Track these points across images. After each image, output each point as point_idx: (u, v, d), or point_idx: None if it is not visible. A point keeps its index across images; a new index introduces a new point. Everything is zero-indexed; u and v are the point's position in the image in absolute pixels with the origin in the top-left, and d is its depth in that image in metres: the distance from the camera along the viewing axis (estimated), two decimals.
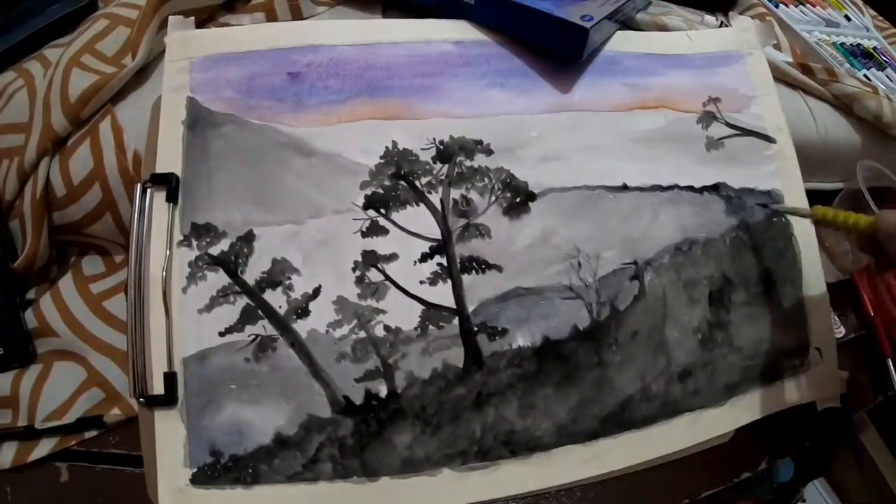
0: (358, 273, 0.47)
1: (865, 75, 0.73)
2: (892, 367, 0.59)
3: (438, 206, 0.49)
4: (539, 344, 0.49)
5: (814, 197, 0.60)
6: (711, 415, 0.52)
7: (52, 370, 0.50)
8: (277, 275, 0.46)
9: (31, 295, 0.53)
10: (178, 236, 0.46)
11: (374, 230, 0.48)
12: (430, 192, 0.49)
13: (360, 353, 0.46)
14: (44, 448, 0.48)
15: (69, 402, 0.49)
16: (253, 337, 0.45)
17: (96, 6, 0.59)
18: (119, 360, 0.50)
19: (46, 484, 0.47)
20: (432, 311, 0.47)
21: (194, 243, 0.46)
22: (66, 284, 0.53)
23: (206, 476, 0.43)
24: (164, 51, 0.50)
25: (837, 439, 0.76)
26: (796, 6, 0.81)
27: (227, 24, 0.56)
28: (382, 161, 0.49)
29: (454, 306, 0.48)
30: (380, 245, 0.48)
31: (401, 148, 0.49)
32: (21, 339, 0.51)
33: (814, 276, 0.57)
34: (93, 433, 0.49)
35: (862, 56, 0.77)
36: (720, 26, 0.67)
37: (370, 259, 0.47)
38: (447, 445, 0.46)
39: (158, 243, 0.45)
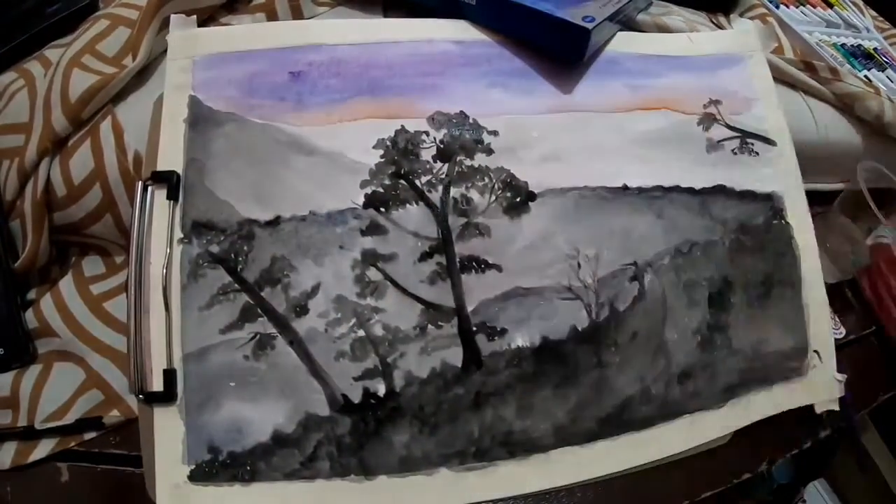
0: (357, 272, 0.47)
1: (866, 76, 0.73)
2: None
3: (438, 206, 0.49)
4: (538, 344, 0.49)
5: (815, 197, 0.60)
6: (710, 417, 0.52)
7: (52, 371, 0.50)
8: (277, 273, 0.46)
9: (31, 295, 0.53)
10: (178, 234, 0.46)
11: (373, 229, 0.48)
12: (430, 192, 0.49)
13: (358, 351, 0.46)
14: (43, 449, 0.48)
15: (69, 403, 0.49)
16: (252, 335, 0.45)
17: (97, 6, 0.59)
18: (119, 362, 0.50)
19: (47, 484, 0.47)
20: (431, 311, 0.47)
21: (195, 241, 0.46)
22: (67, 285, 0.53)
23: (204, 473, 0.43)
24: (164, 51, 0.51)
25: (838, 440, 0.76)
26: (797, 7, 0.81)
27: (228, 25, 0.57)
28: (383, 160, 0.49)
29: (453, 306, 0.48)
30: (379, 244, 0.48)
31: (401, 147, 0.50)
32: (21, 339, 0.50)
33: (813, 278, 0.57)
34: (92, 434, 0.49)
35: (862, 57, 0.77)
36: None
37: (369, 258, 0.47)
38: (445, 445, 0.46)
39: (159, 241, 0.46)
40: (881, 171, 0.61)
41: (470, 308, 0.48)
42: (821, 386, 0.56)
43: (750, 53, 0.62)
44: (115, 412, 0.49)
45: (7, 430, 0.48)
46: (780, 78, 0.64)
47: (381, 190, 0.48)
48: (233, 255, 0.46)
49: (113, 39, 0.54)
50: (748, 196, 0.57)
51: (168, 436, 0.43)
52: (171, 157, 0.47)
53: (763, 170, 0.58)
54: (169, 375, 0.44)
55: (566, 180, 0.52)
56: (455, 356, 0.47)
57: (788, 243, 0.57)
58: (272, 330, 0.45)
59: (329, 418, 0.45)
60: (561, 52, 0.54)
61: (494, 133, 0.51)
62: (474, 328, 0.48)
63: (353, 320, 0.46)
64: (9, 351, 0.50)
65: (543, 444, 0.48)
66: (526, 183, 0.51)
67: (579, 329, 0.50)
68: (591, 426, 0.49)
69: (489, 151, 0.51)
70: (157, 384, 0.44)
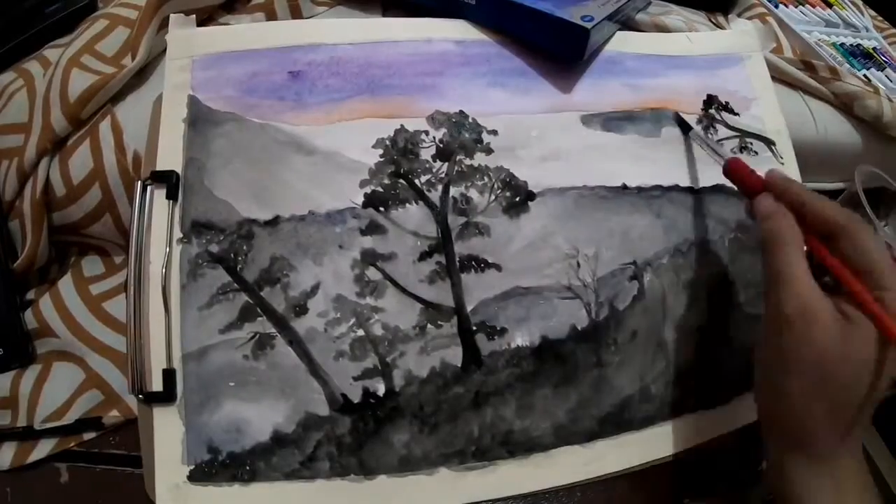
0: (357, 271, 0.47)
1: (865, 75, 0.73)
2: None
3: (438, 205, 0.49)
4: (538, 344, 0.49)
5: None
6: (710, 416, 0.52)
7: (51, 371, 0.50)
8: (276, 272, 0.46)
9: (30, 295, 0.53)
10: (177, 234, 0.46)
11: (373, 228, 0.48)
12: (429, 191, 0.49)
13: (358, 351, 0.46)
14: (43, 449, 0.48)
15: (68, 404, 0.49)
16: (252, 334, 0.45)
17: (96, 6, 0.60)
18: (118, 362, 0.50)
19: (46, 484, 0.47)
20: (431, 310, 0.47)
21: (194, 241, 0.46)
22: (66, 285, 0.53)
23: (203, 473, 0.43)
24: (163, 51, 0.51)
25: None
26: (796, 6, 0.81)
27: (227, 24, 0.57)
28: (382, 159, 0.49)
29: (453, 305, 0.48)
30: (379, 243, 0.48)
31: (401, 146, 0.50)
32: (21, 339, 0.51)
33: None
34: (92, 434, 0.49)
35: (861, 56, 0.77)
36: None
37: (369, 257, 0.47)
38: (445, 445, 0.46)
39: (158, 241, 0.46)
40: (878, 175, 0.61)
41: (469, 307, 0.48)
42: None
43: (748, 54, 0.62)
44: (114, 412, 0.49)
45: (6, 430, 0.48)
46: (780, 77, 0.64)
47: (380, 189, 0.48)
48: (232, 255, 0.46)
49: (112, 39, 0.54)
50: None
51: (167, 436, 0.43)
52: (170, 157, 0.47)
53: (762, 169, 0.58)
54: (168, 375, 0.43)
55: (565, 179, 0.52)
56: (455, 355, 0.47)
57: None
58: (272, 330, 0.45)
59: (329, 418, 0.45)
60: (560, 52, 0.54)
61: (494, 132, 0.52)
62: (474, 327, 0.48)
63: (353, 320, 0.46)
64: (8, 351, 0.50)
65: (543, 444, 0.48)
66: (525, 182, 0.51)
67: (579, 328, 0.50)
68: (591, 425, 0.49)
69: (488, 151, 0.51)
70: (156, 384, 0.44)
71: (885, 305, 0.37)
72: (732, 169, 0.48)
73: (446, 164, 0.50)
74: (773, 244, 0.40)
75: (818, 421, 0.38)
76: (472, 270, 0.48)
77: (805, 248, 0.40)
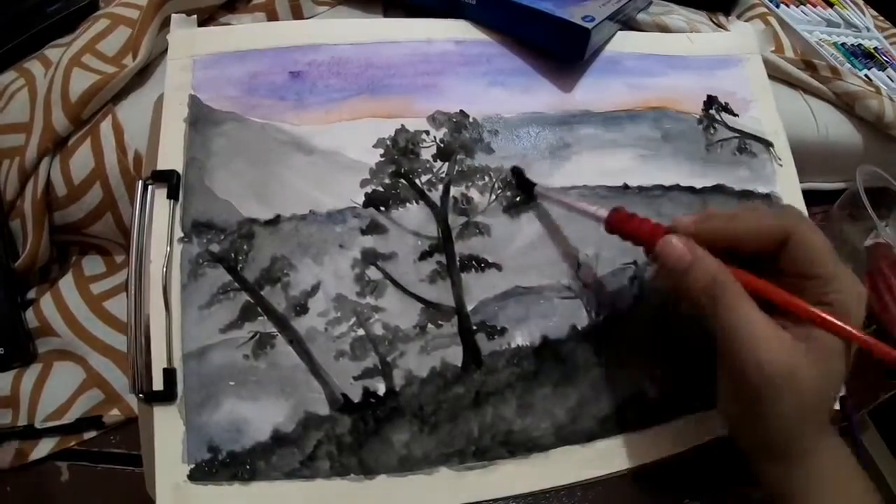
0: (357, 271, 0.47)
1: (866, 75, 0.73)
2: None
3: (438, 205, 0.49)
4: (538, 343, 0.49)
5: (815, 197, 0.60)
6: (711, 416, 0.52)
7: (52, 370, 0.50)
8: (276, 272, 0.46)
9: (31, 294, 0.53)
10: (178, 233, 0.46)
11: (373, 228, 0.48)
12: (430, 191, 0.49)
13: (358, 350, 0.46)
14: (44, 448, 0.48)
15: (69, 403, 0.49)
16: (252, 334, 0.45)
17: (97, 6, 0.60)
18: (119, 361, 0.50)
19: (47, 483, 0.47)
20: (431, 310, 0.47)
21: (195, 240, 0.46)
22: (67, 284, 0.53)
23: (203, 472, 0.43)
24: (165, 51, 0.51)
25: None
26: (797, 6, 0.81)
27: (228, 24, 0.57)
28: (383, 159, 0.49)
29: (453, 305, 0.48)
30: (379, 243, 0.48)
31: (401, 146, 0.50)
32: (22, 338, 0.51)
33: None
34: (92, 433, 0.49)
35: (863, 56, 0.77)
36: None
37: (369, 257, 0.47)
38: (445, 444, 0.46)
39: (159, 240, 0.46)
40: (880, 175, 0.61)
41: (470, 307, 0.48)
42: None
43: (747, 55, 0.62)
44: (115, 411, 0.49)
45: (7, 429, 0.48)
46: (781, 77, 0.64)
47: (381, 189, 0.48)
48: (233, 255, 0.46)
49: (113, 39, 0.54)
50: (747, 196, 0.57)
51: (168, 435, 0.43)
52: (171, 157, 0.47)
53: (761, 171, 0.58)
54: (169, 374, 0.43)
55: (566, 179, 0.52)
56: (455, 355, 0.47)
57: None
58: (272, 329, 0.45)
59: (329, 417, 0.45)
60: (561, 52, 0.54)
61: (494, 132, 0.52)
62: (474, 327, 0.48)
63: (353, 319, 0.46)
64: (9, 350, 0.50)
65: (543, 444, 0.47)
66: (526, 181, 0.51)
67: (579, 328, 0.50)
68: (591, 425, 0.48)
69: (489, 150, 0.51)
70: (156, 383, 0.43)
71: (835, 310, 0.36)
72: (616, 221, 0.42)
73: (447, 163, 0.50)
74: (710, 299, 0.36)
75: (797, 436, 0.37)
76: (473, 270, 0.48)
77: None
